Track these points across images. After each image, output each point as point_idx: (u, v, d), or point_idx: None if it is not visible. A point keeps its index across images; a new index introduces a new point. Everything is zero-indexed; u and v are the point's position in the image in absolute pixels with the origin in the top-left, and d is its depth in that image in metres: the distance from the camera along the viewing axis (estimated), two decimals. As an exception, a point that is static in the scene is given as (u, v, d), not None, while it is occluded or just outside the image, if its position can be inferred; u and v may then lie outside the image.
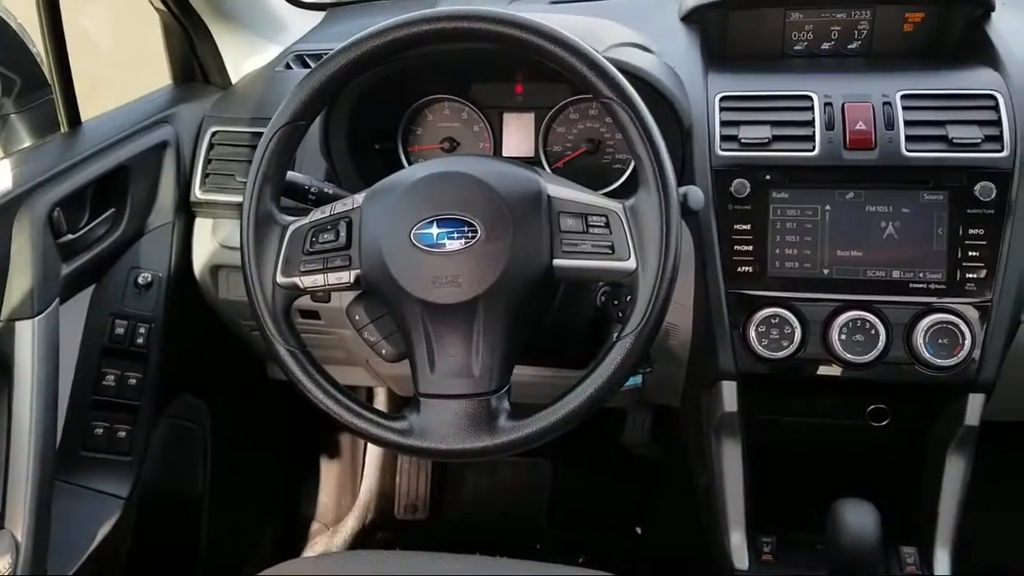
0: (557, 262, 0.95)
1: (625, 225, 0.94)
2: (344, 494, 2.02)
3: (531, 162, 1.20)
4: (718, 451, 1.26)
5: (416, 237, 0.94)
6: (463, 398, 0.94)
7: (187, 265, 1.40)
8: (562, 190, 0.97)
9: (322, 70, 0.97)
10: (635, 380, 1.33)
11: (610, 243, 0.94)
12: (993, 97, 1.14)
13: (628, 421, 1.81)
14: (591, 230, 0.95)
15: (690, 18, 1.34)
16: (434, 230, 0.94)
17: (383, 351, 1.04)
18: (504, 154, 1.33)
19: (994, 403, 1.16)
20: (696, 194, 1.00)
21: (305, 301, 1.20)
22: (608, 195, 0.98)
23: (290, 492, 1.97)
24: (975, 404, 1.15)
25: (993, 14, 1.25)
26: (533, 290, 0.96)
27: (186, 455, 1.59)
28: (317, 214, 1.01)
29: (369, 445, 2.02)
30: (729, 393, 1.20)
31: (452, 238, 0.94)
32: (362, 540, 1.98)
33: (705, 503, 1.35)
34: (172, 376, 1.42)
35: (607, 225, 0.94)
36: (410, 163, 1.35)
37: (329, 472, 2.02)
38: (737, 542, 1.24)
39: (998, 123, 1.12)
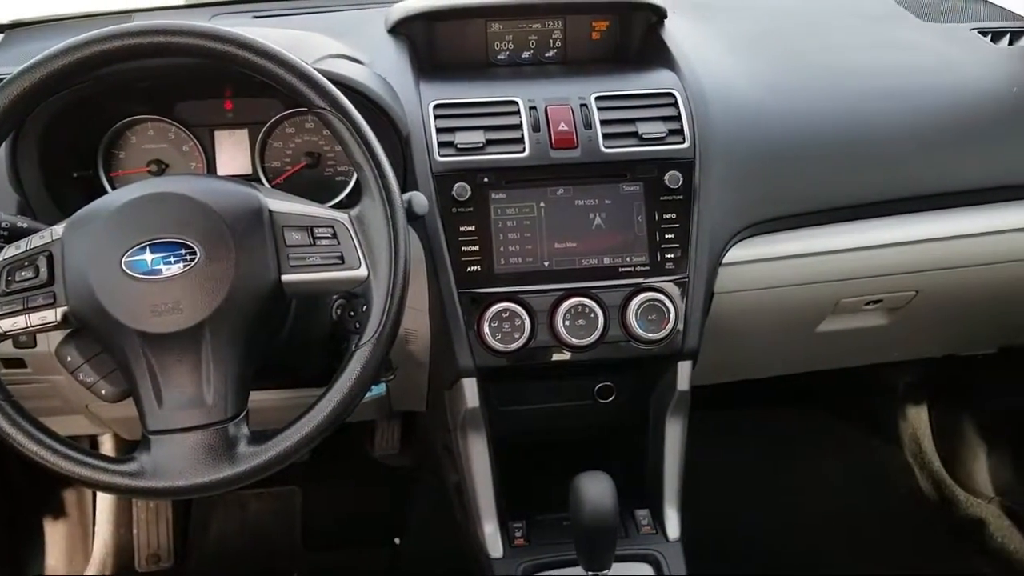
0: (286, 277, 0.93)
1: (352, 234, 0.94)
2: (75, 553, 1.85)
3: (249, 179, 1.17)
4: (465, 447, 1.30)
5: (128, 265, 0.89)
6: (197, 429, 0.90)
7: None
8: (284, 204, 0.96)
9: (1, 95, 0.89)
10: (378, 389, 1.34)
11: (339, 253, 0.94)
12: (672, 95, 1.26)
13: (376, 432, 1.81)
14: (318, 242, 0.94)
15: (397, 30, 1.37)
16: (148, 256, 0.89)
17: (103, 392, 0.96)
18: (219, 173, 1.28)
19: (699, 369, 1.29)
20: (420, 199, 1.02)
21: (7, 348, 1.09)
22: (335, 207, 0.98)
23: (13, 558, 1.76)
24: (684, 371, 1.27)
25: (666, 20, 1.38)
26: (263, 309, 0.94)
27: None
28: (11, 250, 0.92)
29: (99, 495, 1.85)
30: (470, 389, 1.24)
31: (169, 263, 0.89)
32: (101, 601, 1.82)
33: (458, 500, 1.39)
34: None
35: (334, 235, 0.94)
36: (114, 189, 1.26)
37: (56, 531, 1.83)
38: (490, 531, 1.29)
39: (679, 118, 1.24)
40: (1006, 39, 1.52)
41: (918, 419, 2.10)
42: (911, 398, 2.11)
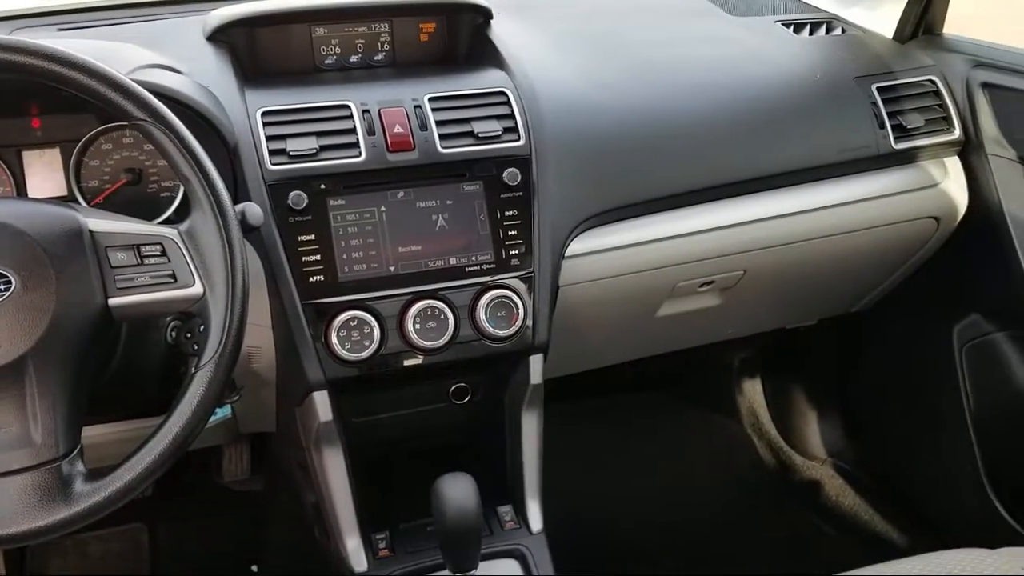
0: (113, 301, 0.88)
1: (183, 250, 0.90)
2: None
3: (66, 201, 1.09)
4: (320, 463, 1.26)
5: (-66, 300, 0.81)
6: (27, 471, 0.83)
7: None
8: (106, 223, 0.90)
9: None
10: (223, 412, 1.28)
11: (170, 271, 0.89)
12: (504, 94, 1.28)
13: (224, 457, 1.74)
14: (146, 261, 0.89)
15: (216, 37, 1.31)
16: (-46, 288, 0.82)
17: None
18: (31, 196, 1.19)
19: (550, 362, 1.31)
20: (254, 210, 0.99)
21: None
22: (163, 224, 0.93)
23: None
24: (536, 365, 1.28)
25: (493, 21, 1.40)
26: (90, 336, 0.88)
27: None
28: None
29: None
30: (322, 403, 1.21)
31: (-19, 294, 0.82)
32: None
33: (316, 518, 1.35)
34: None
35: (164, 253, 0.89)
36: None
37: None
38: (353, 546, 1.26)
39: (512, 116, 1.26)
40: (807, 30, 1.64)
41: (753, 392, 2.22)
42: (746, 372, 2.23)
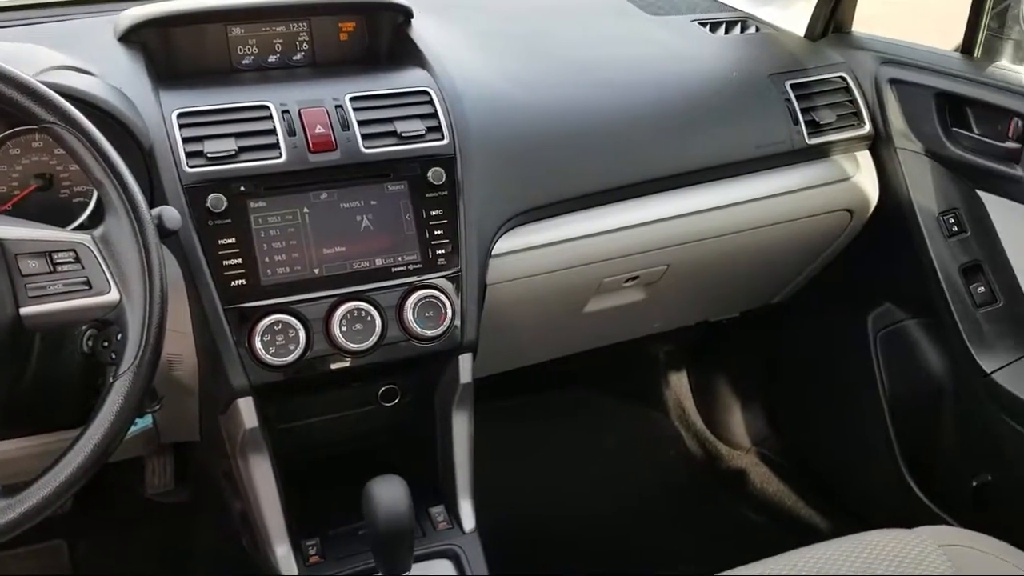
0: (25, 310, 0.85)
1: (98, 256, 0.87)
2: None
3: (-31, 208, 1.05)
4: (247, 471, 1.24)
5: None
6: (-66, 491, 0.80)
7: None
8: (15, 230, 0.87)
9: None
10: (144, 421, 1.25)
11: (84, 278, 0.86)
12: (427, 93, 1.27)
13: (147, 469, 1.69)
14: (59, 268, 0.86)
15: (128, 38, 1.28)
16: None
17: None
18: (-69, 204, 1.14)
19: (480, 361, 1.31)
20: (171, 214, 0.96)
21: None
22: (76, 230, 0.90)
23: None
24: (465, 364, 1.28)
25: (413, 20, 1.39)
26: (1, 349, 0.85)
27: None
28: None
29: None
30: (247, 410, 1.18)
31: None
32: None
33: (244, 527, 1.33)
34: None
35: (77, 260, 0.87)
36: None
37: None
38: (282, 554, 1.24)
39: (435, 116, 1.26)
40: (722, 29, 1.67)
41: (680, 384, 2.27)
42: (672, 366, 2.27)
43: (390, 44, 1.40)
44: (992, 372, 1.45)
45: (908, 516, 1.30)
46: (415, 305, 1.20)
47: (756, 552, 1.08)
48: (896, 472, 1.71)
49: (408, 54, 1.36)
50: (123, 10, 1.30)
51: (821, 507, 1.97)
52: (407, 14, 1.38)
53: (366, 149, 1.21)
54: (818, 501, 1.98)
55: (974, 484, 1.54)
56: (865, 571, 1.00)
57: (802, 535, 1.87)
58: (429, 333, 1.21)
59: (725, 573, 1.03)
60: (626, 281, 1.52)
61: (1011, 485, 1.50)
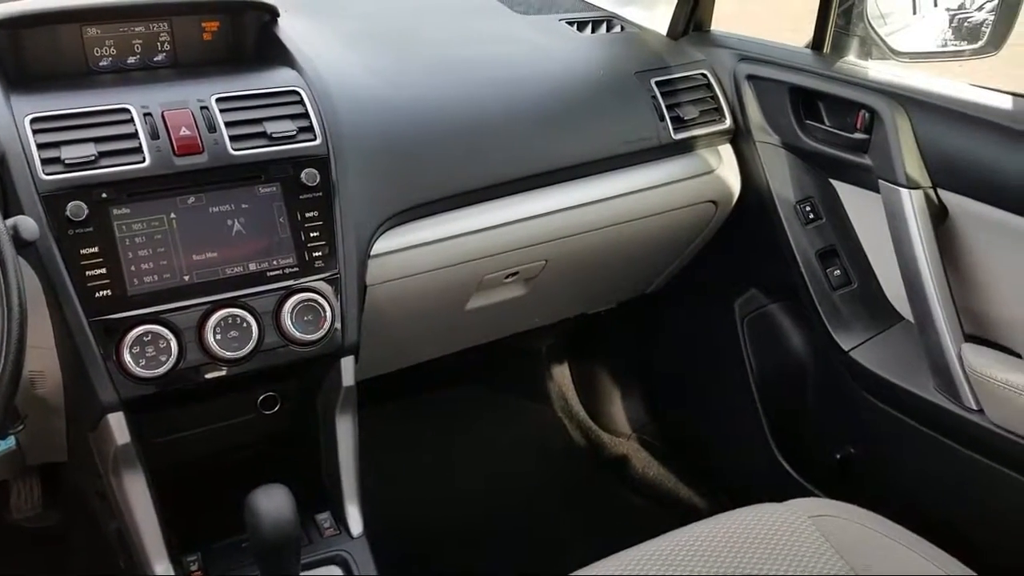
0: None
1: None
2: None
3: None
4: (120, 489, 1.19)
5: None
6: None
7: None
8: None
9: None
10: (7, 443, 1.19)
11: None
12: (297, 93, 1.25)
13: (12, 493, 1.60)
14: None
15: None
16: None
17: None
18: None
19: (362, 363, 1.30)
20: (28, 224, 0.92)
21: None
22: None
23: None
24: (347, 367, 1.27)
25: (280, 19, 1.36)
26: None
27: None
28: None
29: None
30: (118, 426, 1.14)
31: None
32: None
33: (120, 547, 1.27)
34: None
35: None
36: None
37: None
38: (161, 571, 1.20)
39: (307, 116, 1.24)
40: (589, 28, 1.71)
41: (562, 376, 2.31)
42: (554, 359, 2.31)
43: (257, 44, 1.37)
44: (850, 350, 1.53)
45: (780, 491, 1.36)
46: (293, 309, 1.18)
47: (641, 535, 1.11)
48: (767, 450, 1.79)
49: (276, 54, 1.33)
50: None
51: (700, 488, 2.04)
52: (273, 13, 1.36)
53: (235, 151, 1.18)
54: (697, 482, 2.06)
55: (838, 457, 1.63)
56: (742, 545, 1.05)
57: (684, 515, 1.94)
58: (309, 337, 1.19)
59: (607, 559, 1.06)
60: (506, 277, 1.54)
61: (872, 456, 1.60)
